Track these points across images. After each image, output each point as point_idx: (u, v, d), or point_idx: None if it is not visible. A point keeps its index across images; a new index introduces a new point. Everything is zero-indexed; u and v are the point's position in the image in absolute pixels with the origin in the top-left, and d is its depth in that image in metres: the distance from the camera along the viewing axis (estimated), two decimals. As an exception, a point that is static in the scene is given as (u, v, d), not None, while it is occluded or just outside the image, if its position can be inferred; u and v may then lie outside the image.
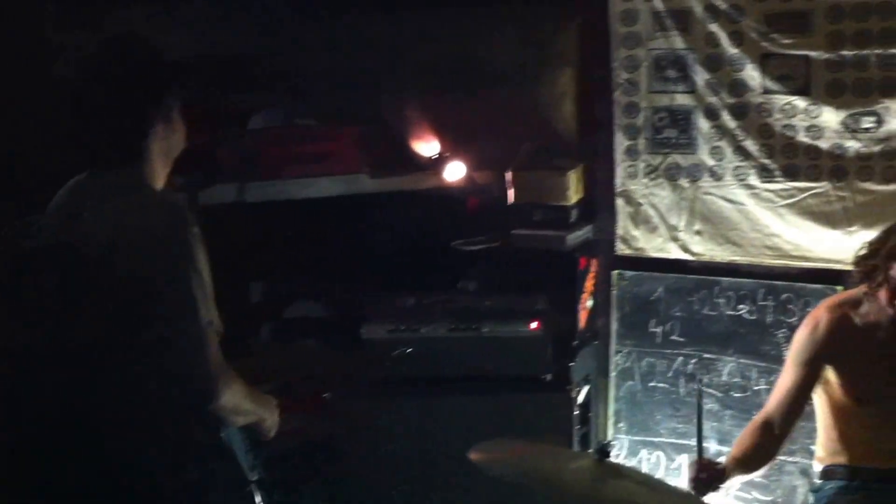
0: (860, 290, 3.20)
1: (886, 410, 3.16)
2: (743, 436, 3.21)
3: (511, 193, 4.04)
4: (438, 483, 3.47)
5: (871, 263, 3.15)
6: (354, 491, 3.44)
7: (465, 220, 4.18)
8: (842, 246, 3.72)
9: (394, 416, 3.60)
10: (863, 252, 3.20)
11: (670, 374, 3.96)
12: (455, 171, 4.11)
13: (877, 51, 3.63)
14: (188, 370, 2.27)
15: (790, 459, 3.81)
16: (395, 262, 4.02)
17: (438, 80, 4.10)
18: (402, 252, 4.05)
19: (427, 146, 4.16)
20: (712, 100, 3.86)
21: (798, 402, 3.18)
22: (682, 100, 3.90)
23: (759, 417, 3.22)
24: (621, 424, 4.02)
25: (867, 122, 3.69)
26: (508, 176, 4.05)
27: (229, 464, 2.60)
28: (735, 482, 3.04)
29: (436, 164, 4.12)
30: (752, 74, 3.79)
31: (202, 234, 2.34)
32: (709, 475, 2.99)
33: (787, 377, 3.22)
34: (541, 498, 2.60)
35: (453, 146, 4.14)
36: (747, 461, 3.12)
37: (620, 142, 4.01)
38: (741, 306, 3.91)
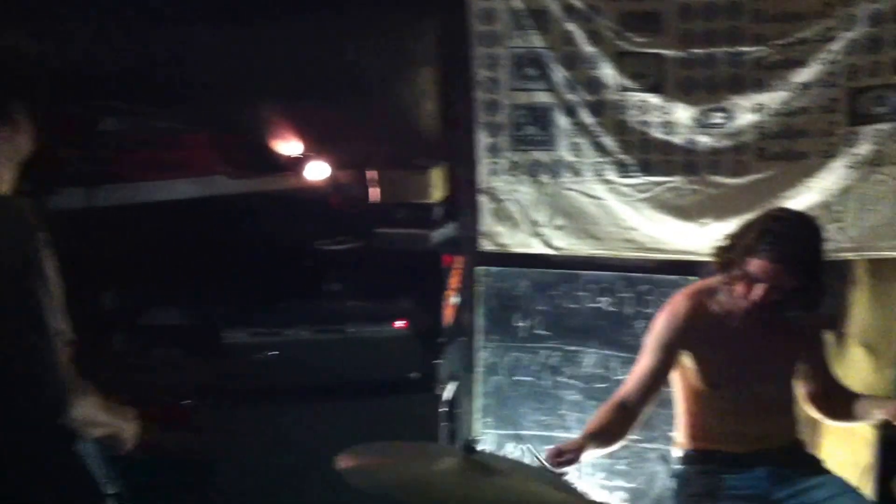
0: (718, 279, 3.31)
1: (740, 396, 3.28)
2: (599, 412, 3.26)
3: (374, 192, 4.02)
4: (305, 492, 3.42)
5: (728, 256, 3.26)
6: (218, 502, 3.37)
7: (328, 220, 4.14)
8: (696, 238, 3.85)
9: (258, 422, 3.53)
10: (722, 244, 3.31)
11: (535, 368, 4.01)
12: (317, 171, 4.07)
13: (725, 49, 3.75)
14: (36, 381, 2.17)
15: (651, 446, 3.92)
16: (256, 263, 3.95)
17: (299, 83, 4.05)
18: (263, 253, 3.98)
19: (288, 147, 4.11)
20: (571, 97, 3.92)
21: (653, 385, 3.26)
22: (542, 97, 3.95)
23: (615, 397, 3.28)
24: (488, 419, 4.05)
25: (717, 118, 3.81)
26: (371, 175, 4.03)
27: (84, 478, 2.50)
28: (589, 456, 3.10)
29: (297, 164, 4.07)
30: (608, 72, 3.87)
31: (51, 239, 2.25)
32: (565, 458, 3.02)
33: (644, 360, 3.30)
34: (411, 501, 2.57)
35: (315, 147, 4.10)
36: (601, 436, 3.15)
37: (482, 139, 4.03)
38: (602, 299, 4.00)
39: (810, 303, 3.24)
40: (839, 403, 3.35)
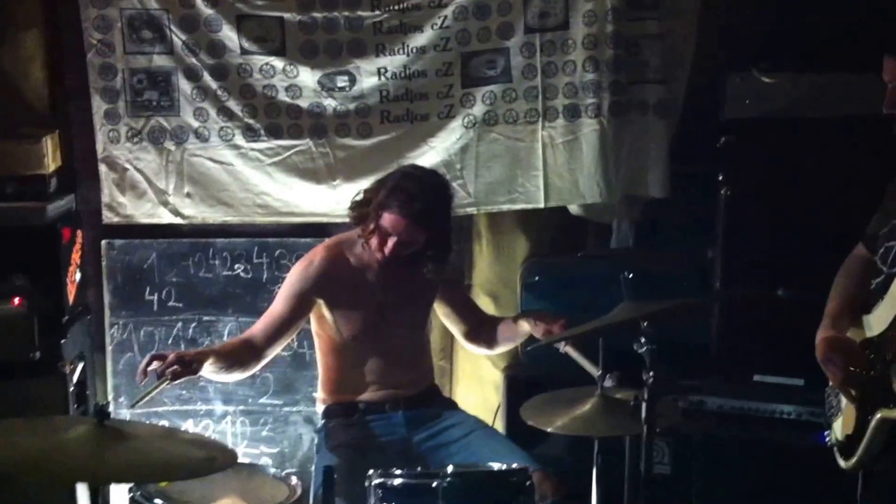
0: (355, 232, 3.37)
1: (375, 347, 3.39)
2: (227, 341, 3.43)
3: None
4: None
5: (363, 211, 3.33)
6: None
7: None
8: (327, 200, 3.91)
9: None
10: (358, 198, 3.39)
11: (170, 342, 3.88)
12: None
13: (345, 13, 3.82)
14: None
15: (294, 409, 3.95)
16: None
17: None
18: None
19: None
20: (192, 61, 3.81)
21: (282, 330, 3.31)
22: (161, 61, 3.81)
23: (244, 334, 3.35)
24: (122, 399, 3.86)
25: (341, 82, 3.87)
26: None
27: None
28: (209, 374, 3.13)
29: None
30: (229, 35, 3.80)
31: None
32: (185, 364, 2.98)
33: (277, 306, 3.34)
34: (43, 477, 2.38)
35: None
36: (223, 359, 3.17)
37: (99, 105, 3.82)
38: (237, 266, 3.95)
39: (440, 255, 3.39)
40: (493, 333, 3.56)
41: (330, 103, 3.87)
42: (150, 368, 2.95)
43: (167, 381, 2.92)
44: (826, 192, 3.67)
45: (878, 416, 2.44)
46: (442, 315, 3.63)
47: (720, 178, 3.79)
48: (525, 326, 3.41)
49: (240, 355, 3.23)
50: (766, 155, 3.79)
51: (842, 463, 2.66)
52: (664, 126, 3.86)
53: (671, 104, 3.86)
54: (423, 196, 3.27)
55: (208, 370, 3.11)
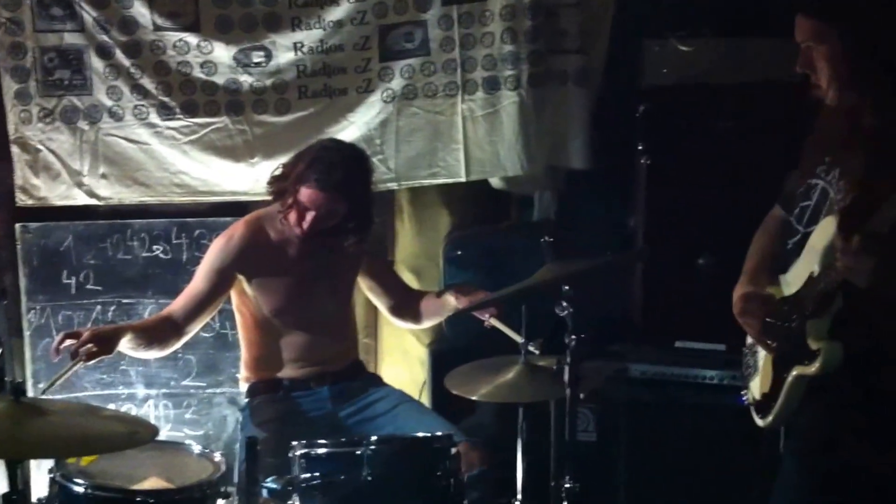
0: (275, 207, 3.34)
1: (298, 322, 3.37)
2: (149, 318, 3.45)
3: None
4: None
5: (282, 185, 3.30)
6: None
7: None
8: (246, 178, 3.86)
9: None
10: (277, 172, 3.36)
11: (89, 325, 3.79)
12: None
13: (256, -15, 3.76)
14: None
15: (219, 391, 3.90)
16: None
17: None
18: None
19: None
20: (103, 38, 3.72)
21: (202, 307, 3.29)
22: (72, 39, 3.71)
23: (164, 310, 3.33)
24: (41, 385, 3.76)
25: (257, 57, 3.82)
26: None
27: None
28: (127, 349, 3.11)
29: None
30: (141, 11, 3.72)
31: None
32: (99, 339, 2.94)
33: (197, 282, 3.31)
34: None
35: None
36: (142, 334, 3.15)
37: (9, 85, 3.71)
38: (155, 247, 3.87)
39: (361, 228, 3.37)
40: (418, 307, 3.56)
41: (246, 79, 3.81)
42: (62, 347, 2.89)
43: (81, 361, 2.86)
44: (745, 157, 3.73)
45: (794, 373, 2.48)
46: (367, 289, 3.61)
47: (639, 146, 3.82)
48: (451, 300, 3.42)
49: (159, 332, 3.19)
50: (685, 122, 3.83)
51: (759, 422, 2.70)
52: (584, 95, 3.87)
53: (590, 73, 3.87)
54: (342, 168, 3.24)
55: (126, 346, 3.06)
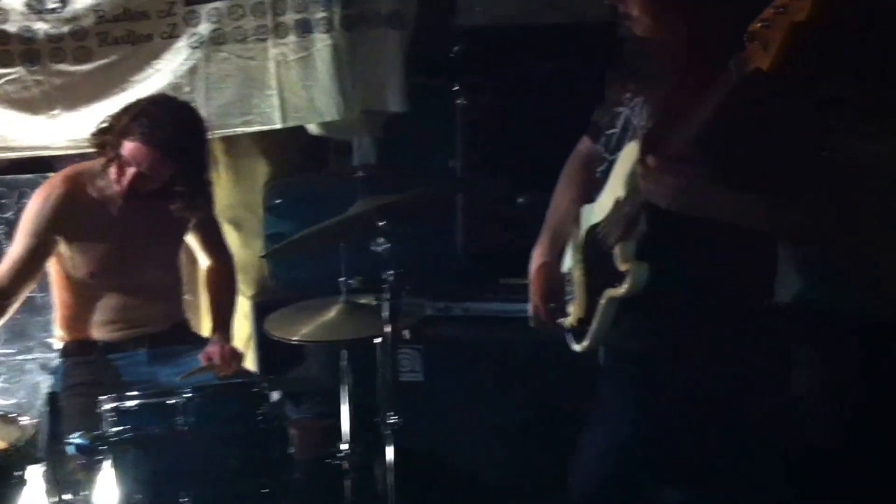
0: (97, 162, 3.16)
1: (117, 284, 3.22)
2: None
3: None
4: None
5: (105, 138, 3.13)
6: None
7: None
8: (47, 131, 3.66)
9: None
10: (103, 125, 3.18)
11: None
12: None
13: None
14: None
15: (29, 357, 3.72)
16: None
17: None
18: None
19: None
20: None
21: (26, 271, 3.13)
22: None
23: None
24: None
25: (51, 3, 3.61)
26: None
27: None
28: None
29: None
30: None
31: None
32: None
33: (16, 246, 3.14)
34: None
35: None
36: None
37: None
38: (-48, 208, 3.64)
39: (192, 192, 3.22)
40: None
41: (41, 26, 3.60)
42: None
43: None
44: (560, 97, 3.76)
45: (606, 295, 2.52)
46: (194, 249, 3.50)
47: (455, 88, 3.81)
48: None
49: None
50: (499, 63, 3.84)
51: (576, 347, 2.74)
52: (398, 37, 3.81)
53: (404, 15, 3.81)
54: (171, 125, 3.09)
55: None
